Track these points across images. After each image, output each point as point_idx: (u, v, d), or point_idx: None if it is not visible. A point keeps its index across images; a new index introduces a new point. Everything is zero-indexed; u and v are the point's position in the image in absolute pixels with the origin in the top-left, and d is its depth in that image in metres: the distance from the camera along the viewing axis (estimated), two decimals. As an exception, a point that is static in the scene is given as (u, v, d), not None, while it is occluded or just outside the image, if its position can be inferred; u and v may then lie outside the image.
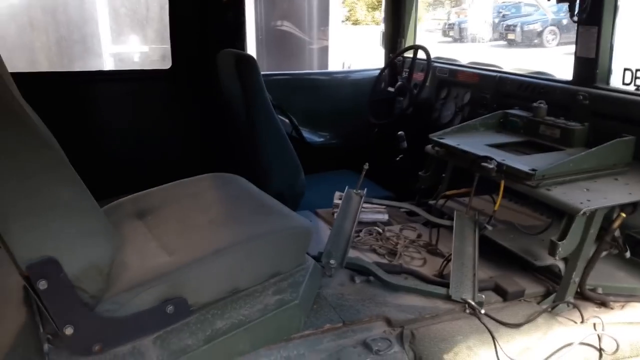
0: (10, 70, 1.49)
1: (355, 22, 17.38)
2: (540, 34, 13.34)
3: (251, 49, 5.31)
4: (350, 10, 17.05)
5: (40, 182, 1.24)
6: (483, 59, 3.15)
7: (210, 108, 2.91)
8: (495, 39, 14.34)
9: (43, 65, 3.19)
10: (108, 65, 3.82)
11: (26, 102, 1.39)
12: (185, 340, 1.39)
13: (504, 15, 14.58)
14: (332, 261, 1.88)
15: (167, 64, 2.96)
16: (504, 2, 15.22)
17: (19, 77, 1.56)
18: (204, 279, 1.45)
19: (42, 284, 1.22)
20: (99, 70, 3.36)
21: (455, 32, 15.28)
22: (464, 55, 3.24)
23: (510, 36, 13.68)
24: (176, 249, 1.52)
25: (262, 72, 2.36)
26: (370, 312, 1.73)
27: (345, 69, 6.18)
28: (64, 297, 1.26)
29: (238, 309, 1.47)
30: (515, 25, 13.69)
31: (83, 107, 2.79)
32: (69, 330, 1.28)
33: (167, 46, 2.91)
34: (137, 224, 1.72)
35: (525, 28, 13.52)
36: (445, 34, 15.71)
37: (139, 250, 1.55)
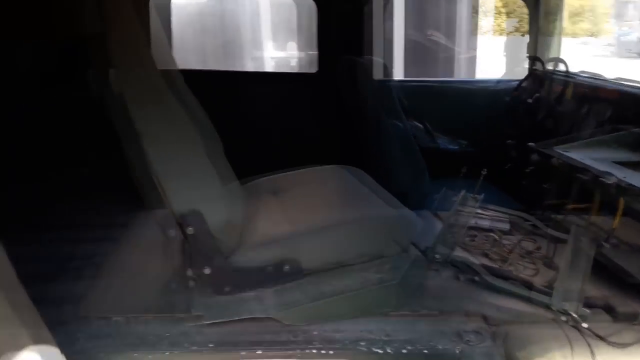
0: (183, 67, 1.90)
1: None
2: None
3: (399, 56, 5.50)
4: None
5: (195, 153, 1.59)
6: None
7: (348, 109, 3.19)
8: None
9: (210, 64, 3.76)
10: (267, 67, 4.32)
11: (192, 93, 1.78)
12: (296, 296, 1.65)
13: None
14: (437, 255, 2.00)
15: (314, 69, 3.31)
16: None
17: (188, 73, 1.95)
18: (315, 249, 1.71)
19: (190, 230, 1.57)
20: (255, 72, 3.84)
21: (622, 45, 13.50)
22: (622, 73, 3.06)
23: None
24: (297, 221, 1.79)
25: (400, 78, 2.56)
26: (468, 307, 1.82)
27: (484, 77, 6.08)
28: (205, 243, 1.59)
29: (341, 279, 1.69)
30: None
31: (239, 102, 3.25)
32: (207, 271, 1.61)
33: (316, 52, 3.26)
34: (270, 198, 2.03)
35: None
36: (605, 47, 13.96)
37: (268, 219, 1.85)
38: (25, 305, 1.20)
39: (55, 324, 1.56)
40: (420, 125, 3.29)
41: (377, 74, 2.65)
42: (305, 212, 1.87)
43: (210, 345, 1.53)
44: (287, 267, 1.67)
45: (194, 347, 1.52)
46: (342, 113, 3.24)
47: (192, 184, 1.58)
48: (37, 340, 1.16)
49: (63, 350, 1.30)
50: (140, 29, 1.57)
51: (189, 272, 1.71)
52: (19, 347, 1.09)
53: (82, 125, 2.46)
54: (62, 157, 2.67)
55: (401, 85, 2.60)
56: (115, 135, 1.59)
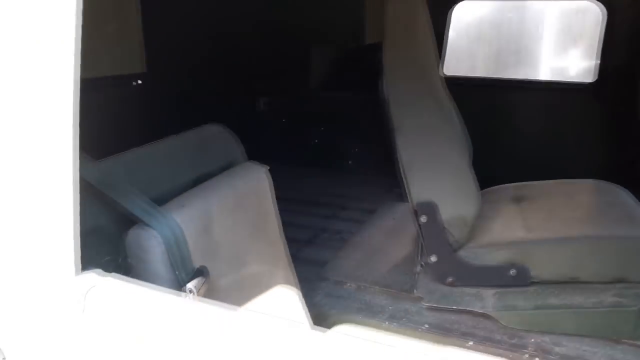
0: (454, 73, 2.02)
1: None
2: None
3: None
4: None
5: (440, 149, 1.71)
6: None
7: (623, 123, 2.85)
8: None
9: (479, 71, 3.80)
10: (541, 76, 4.13)
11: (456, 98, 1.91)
12: (518, 301, 1.63)
13: None
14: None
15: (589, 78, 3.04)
16: None
17: (456, 80, 2.08)
18: (549, 258, 1.64)
19: (423, 218, 1.70)
20: (524, 80, 3.71)
21: None
22: None
23: None
24: (535, 228, 1.75)
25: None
26: None
27: None
28: (435, 232, 1.71)
29: (573, 294, 1.59)
30: None
31: (503, 109, 3.22)
32: (433, 259, 1.73)
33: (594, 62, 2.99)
34: (511, 205, 2.01)
35: None
36: None
37: (504, 223, 1.85)
38: (283, 255, 1.53)
39: (302, 279, 1.91)
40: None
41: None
42: (547, 221, 1.80)
43: (426, 326, 1.65)
44: (513, 271, 1.66)
45: (410, 324, 1.66)
46: (615, 126, 2.91)
47: (431, 176, 1.71)
48: (286, 282, 1.47)
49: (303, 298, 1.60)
50: (413, 41, 1.74)
51: (419, 257, 1.86)
52: (273, 282, 1.41)
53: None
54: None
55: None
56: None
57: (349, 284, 1.88)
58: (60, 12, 0.73)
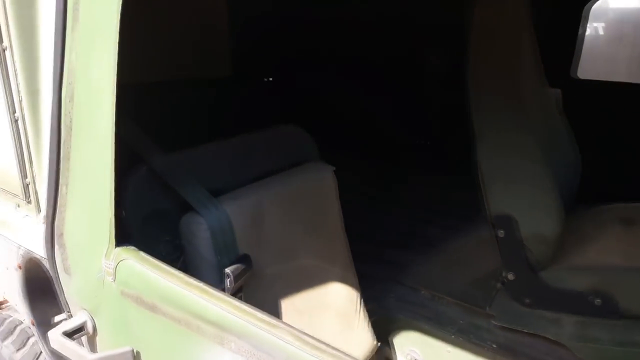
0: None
1: None
2: None
3: None
4: None
5: (521, 162, 1.60)
6: None
7: None
8: None
9: (619, 75, 3.35)
10: None
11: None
12: (600, 334, 1.46)
13: None
14: None
15: None
16: None
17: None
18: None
19: (501, 233, 1.61)
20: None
21: None
22: None
23: None
24: (633, 256, 1.55)
25: None
26: None
27: None
28: (514, 249, 1.60)
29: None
30: None
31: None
32: (510, 276, 1.63)
33: None
34: (617, 227, 1.80)
35: None
36: None
37: (600, 246, 1.67)
38: (343, 254, 1.57)
39: (378, 279, 1.93)
40: None
41: None
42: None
43: (494, 346, 1.56)
44: (598, 301, 1.49)
45: (478, 341, 1.58)
46: None
47: (510, 189, 1.61)
48: (343, 280, 1.51)
49: (367, 300, 1.62)
50: (499, 48, 1.66)
51: (499, 275, 1.76)
52: (326, 278, 1.46)
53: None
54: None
55: None
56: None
57: (423, 291, 1.85)
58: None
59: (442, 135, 3.12)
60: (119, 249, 0.93)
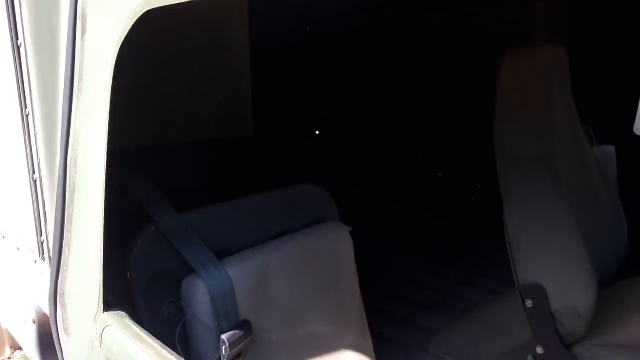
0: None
1: None
2: None
3: None
4: None
5: (551, 228, 1.51)
6: None
7: None
8: None
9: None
10: None
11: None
12: None
13: None
14: None
15: None
16: None
17: None
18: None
19: (529, 303, 1.50)
20: None
21: None
22: None
23: None
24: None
25: None
26: None
27: None
28: (543, 321, 1.48)
29: None
30: None
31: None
32: (539, 350, 1.50)
33: None
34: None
35: None
36: None
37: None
38: (357, 319, 1.50)
39: (405, 346, 1.83)
40: None
41: None
42: None
43: None
44: (638, 384, 1.35)
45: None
46: None
47: (539, 256, 1.51)
48: (356, 347, 1.45)
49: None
50: (525, 105, 1.61)
51: (531, 347, 1.63)
52: (337, 345, 1.40)
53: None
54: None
55: None
56: None
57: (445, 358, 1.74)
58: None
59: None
60: (106, 314, 0.93)
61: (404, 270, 2.51)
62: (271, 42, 2.39)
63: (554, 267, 1.49)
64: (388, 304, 1.56)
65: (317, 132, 3.39)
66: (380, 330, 1.53)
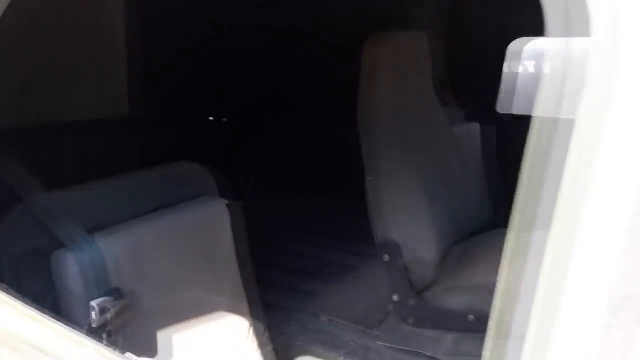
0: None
1: None
2: None
3: None
4: None
5: (404, 190, 1.72)
6: None
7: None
8: None
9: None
10: None
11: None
12: (472, 348, 1.56)
13: None
14: None
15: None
16: None
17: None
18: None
19: (386, 257, 1.72)
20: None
21: None
22: None
23: None
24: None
25: None
26: None
27: None
28: (397, 272, 1.71)
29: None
30: None
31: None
32: (395, 297, 1.73)
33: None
34: (499, 250, 1.93)
35: None
36: None
37: (484, 267, 1.79)
38: (234, 286, 1.63)
39: (286, 308, 1.99)
40: None
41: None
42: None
43: (379, 365, 1.65)
44: (471, 317, 1.61)
45: (366, 362, 1.67)
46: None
47: (394, 215, 1.73)
48: (232, 310, 1.58)
49: (269, 327, 1.69)
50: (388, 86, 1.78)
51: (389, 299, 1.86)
52: (213, 309, 1.52)
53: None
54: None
55: None
56: None
57: (322, 317, 1.93)
58: None
59: None
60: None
61: (292, 244, 2.67)
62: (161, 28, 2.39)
63: (406, 225, 1.72)
64: (271, 273, 1.71)
65: (212, 118, 3.41)
66: (263, 297, 1.67)
